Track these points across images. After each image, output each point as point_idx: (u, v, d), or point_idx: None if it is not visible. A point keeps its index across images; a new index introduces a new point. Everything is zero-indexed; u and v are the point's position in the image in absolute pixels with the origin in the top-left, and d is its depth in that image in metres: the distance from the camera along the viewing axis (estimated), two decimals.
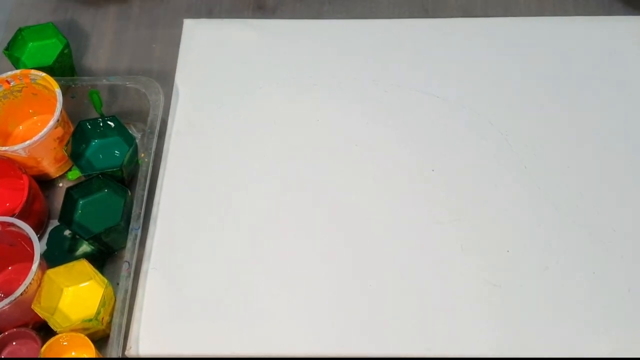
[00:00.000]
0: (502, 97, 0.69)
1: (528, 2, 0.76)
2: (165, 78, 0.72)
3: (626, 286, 0.60)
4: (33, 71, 0.66)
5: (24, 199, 0.61)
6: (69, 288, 0.61)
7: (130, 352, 0.59)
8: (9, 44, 0.70)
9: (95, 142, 0.68)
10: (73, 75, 0.72)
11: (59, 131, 0.65)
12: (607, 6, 0.75)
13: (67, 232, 0.65)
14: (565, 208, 0.63)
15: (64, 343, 0.57)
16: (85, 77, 0.69)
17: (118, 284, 0.60)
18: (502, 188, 0.65)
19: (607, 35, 0.72)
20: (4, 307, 0.55)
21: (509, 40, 0.73)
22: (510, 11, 0.75)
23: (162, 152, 0.68)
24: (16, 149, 0.62)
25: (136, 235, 0.61)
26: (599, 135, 0.67)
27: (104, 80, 0.68)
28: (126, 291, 0.59)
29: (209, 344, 0.59)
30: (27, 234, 0.58)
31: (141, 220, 0.62)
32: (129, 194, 0.63)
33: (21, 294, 0.55)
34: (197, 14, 0.77)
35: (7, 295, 0.55)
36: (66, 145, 0.65)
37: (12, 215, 0.60)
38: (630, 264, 0.61)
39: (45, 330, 0.58)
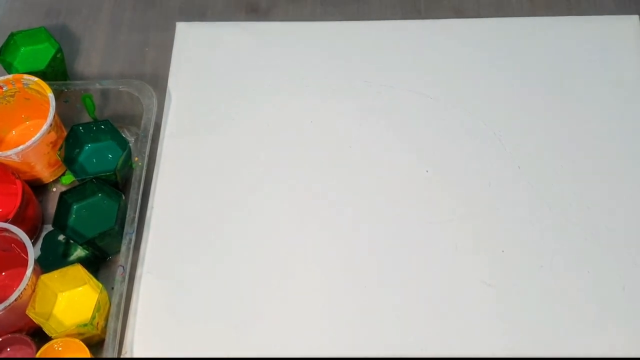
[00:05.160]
0: (495, 97, 0.69)
1: (520, 2, 0.76)
2: (158, 81, 0.72)
3: (620, 284, 0.60)
4: (25, 76, 0.65)
5: (18, 204, 0.61)
6: (64, 293, 0.60)
7: (126, 356, 0.58)
8: (0, 49, 0.70)
9: (88, 147, 0.68)
10: (66, 80, 0.72)
11: (52, 136, 0.64)
12: (598, 6, 0.75)
13: (61, 237, 0.65)
14: (559, 207, 0.63)
15: (59, 348, 0.57)
16: (78, 82, 0.69)
17: (113, 288, 0.59)
18: (495, 188, 0.65)
19: (599, 34, 0.72)
20: None
21: (502, 40, 0.73)
22: (502, 11, 0.76)
23: (155, 155, 0.68)
24: (9, 154, 0.62)
25: (130, 240, 0.61)
26: (592, 134, 0.67)
27: (97, 84, 0.68)
28: (121, 295, 0.59)
29: (204, 347, 0.59)
30: (21, 239, 0.58)
31: (135, 224, 0.62)
32: (123, 198, 0.63)
33: (15, 300, 0.55)
34: (189, 17, 0.77)
35: (1, 301, 0.55)
36: (59, 149, 0.65)
37: (6, 221, 0.60)
38: (625, 262, 0.61)
39: (39, 336, 0.58)
